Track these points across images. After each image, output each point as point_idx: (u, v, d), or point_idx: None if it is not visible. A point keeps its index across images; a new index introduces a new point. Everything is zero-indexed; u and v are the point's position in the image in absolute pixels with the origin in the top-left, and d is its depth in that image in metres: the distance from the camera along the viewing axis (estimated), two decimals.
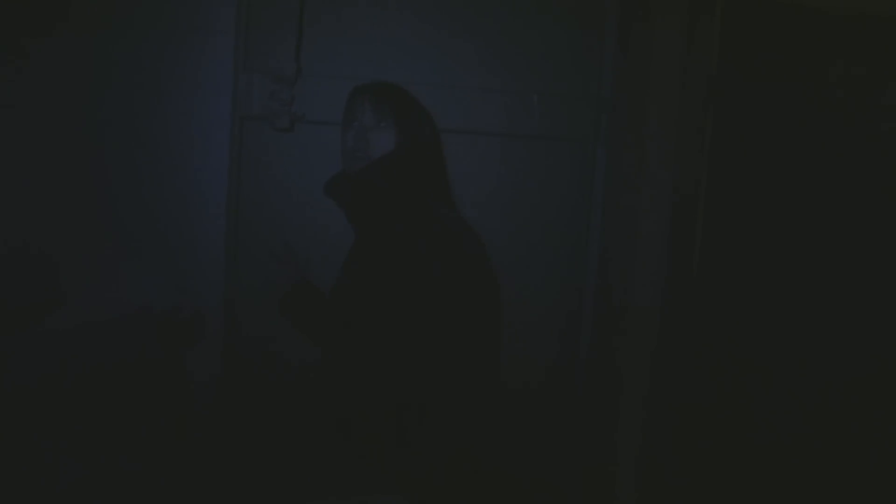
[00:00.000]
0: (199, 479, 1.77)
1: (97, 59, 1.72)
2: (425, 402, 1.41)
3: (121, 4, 1.72)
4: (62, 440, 1.61)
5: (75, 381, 1.64)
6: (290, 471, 1.84)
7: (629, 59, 1.95)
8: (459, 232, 1.49)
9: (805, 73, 1.97)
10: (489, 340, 1.52)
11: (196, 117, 1.77)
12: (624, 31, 1.98)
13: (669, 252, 1.89)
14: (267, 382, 1.88)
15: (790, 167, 1.98)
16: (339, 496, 1.46)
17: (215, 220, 1.80)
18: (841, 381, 1.99)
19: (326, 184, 1.59)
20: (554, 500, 2.06)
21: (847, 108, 1.98)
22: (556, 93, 1.98)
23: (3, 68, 1.67)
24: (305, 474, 1.57)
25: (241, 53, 1.79)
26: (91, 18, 1.71)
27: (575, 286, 2.06)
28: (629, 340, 1.91)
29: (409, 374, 1.42)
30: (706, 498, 2.00)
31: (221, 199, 1.80)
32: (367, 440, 1.44)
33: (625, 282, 1.92)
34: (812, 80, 1.97)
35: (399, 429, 1.42)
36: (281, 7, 1.80)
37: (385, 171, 1.50)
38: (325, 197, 1.59)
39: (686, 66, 1.86)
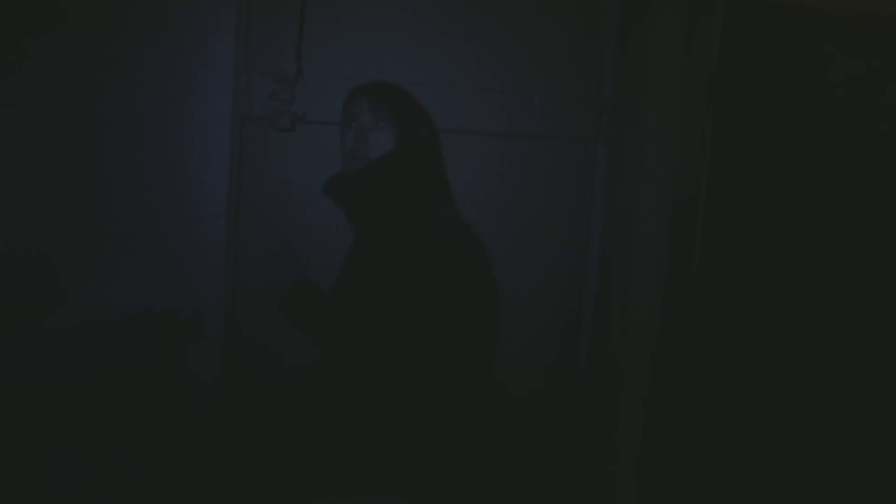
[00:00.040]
0: (199, 479, 1.77)
1: (97, 59, 1.72)
2: (425, 402, 1.42)
3: (121, 4, 1.72)
4: (62, 440, 1.61)
5: (75, 381, 1.63)
6: (290, 471, 1.83)
7: (629, 59, 1.95)
8: (459, 232, 1.49)
9: (805, 73, 1.97)
10: (488, 340, 1.52)
11: (196, 117, 1.77)
12: (624, 31, 1.98)
13: (669, 252, 1.89)
14: (267, 382, 1.88)
15: (790, 167, 1.98)
16: (339, 496, 1.46)
17: (215, 220, 1.80)
18: (841, 381, 1.99)
19: (325, 184, 1.60)
20: (554, 500, 2.06)
21: (847, 108, 1.98)
22: (557, 93, 1.98)
23: (3, 68, 1.67)
24: (305, 474, 1.57)
25: (241, 53, 1.79)
26: (91, 18, 1.71)
27: (575, 286, 2.06)
28: (629, 340, 1.91)
29: (408, 374, 1.42)
30: (706, 498, 2.00)
31: (222, 199, 1.80)
32: (367, 440, 1.44)
33: (625, 282, 1.92)
34: (812, 80, 1.97)
35: (399, 429, 1.42)
36: (281, 7, 1.80)
37: (384, 171, 1.50)
38: (325, 197, 1.59)
39: (686, 66, 1.86)
